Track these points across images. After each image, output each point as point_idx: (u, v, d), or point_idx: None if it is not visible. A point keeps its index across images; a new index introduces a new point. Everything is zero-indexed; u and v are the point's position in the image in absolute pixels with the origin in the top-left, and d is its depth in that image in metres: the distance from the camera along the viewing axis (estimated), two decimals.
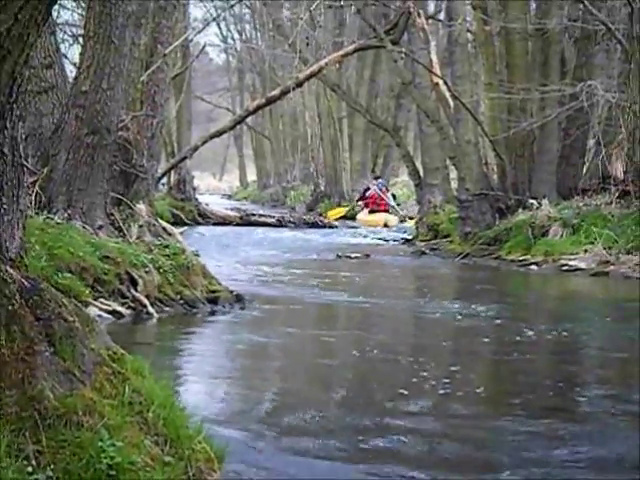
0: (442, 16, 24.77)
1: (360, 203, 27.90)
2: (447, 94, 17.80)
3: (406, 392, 5.86)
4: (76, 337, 3.59)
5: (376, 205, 26.61)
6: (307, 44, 25.25)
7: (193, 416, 4.00)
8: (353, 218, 27.83)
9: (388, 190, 28.01)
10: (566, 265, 14.21)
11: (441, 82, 17.96)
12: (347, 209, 29.20)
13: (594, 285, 12.87)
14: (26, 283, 3.55)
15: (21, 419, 3.19)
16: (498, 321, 9.02)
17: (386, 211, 26.42)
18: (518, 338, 7.99)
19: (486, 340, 8.11)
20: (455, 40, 18.48)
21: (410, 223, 23.86)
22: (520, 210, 16.69)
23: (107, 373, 3.65)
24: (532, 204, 16.44)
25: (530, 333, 8.20)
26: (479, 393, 6.01)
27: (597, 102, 16.33)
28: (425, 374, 6.43)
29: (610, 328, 9.07)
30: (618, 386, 6.33)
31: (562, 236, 15.36)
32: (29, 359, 3.33)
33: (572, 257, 14.45)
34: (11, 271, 3.52)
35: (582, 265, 14.01)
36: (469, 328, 8.71)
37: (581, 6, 17.48)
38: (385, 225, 24.69)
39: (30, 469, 3.06)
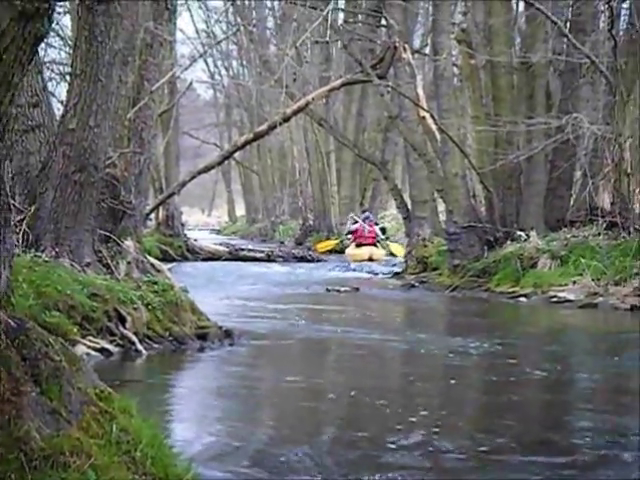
0: (428, 50, 24.95)
1: (349, 237, 27.91)
2: (434, 127, 17.89)
3: (395, 432, 5.83)
4: (63, 377, 3.56)
5: (363, 238, 26.59)
6: (294, 79, 25.40)
7: (181, 455, 3.96)
8: (342, 252, 27.82)
9: (376, 224, 27.99)
10: (555, 297, 14.23)
11: (428, 115, 18.06)
12: (336, 242, 29.24)
13: (583, 317, 12.86)
14: (12, 323, 3.52)
15: (7, 461, 3.15)
16: (488, 357, 8.99)
17: (374, 245, 26.37)
18: (512, 378, 7.97)
19: (477, 377, 8.08)
20: (441, 74, 18.59)
21: (399, 253, 23.86)
22: (508, 242, 16.73)
23: (94, 412, 3.62)
24: (520, 236, 16.49)
25: (521, 370, 8.19)
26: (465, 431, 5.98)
27: (583, 134, 16.43)
28: (414, 418, 6.39)
29: (601, 362, 9.06)
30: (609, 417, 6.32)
31: (551, 268, 15.39)
32: (15, 400, 3.30)
33: (561, 289, 14.47)
34: None
35: (571, 297, 14.02)
36: (459, 366, 8.67)
37: (565, 40, 17.65)
38: (370, 259, 24.64)
39: None
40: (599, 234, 15.98)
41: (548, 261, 15.49)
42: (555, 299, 14.14)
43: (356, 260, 24.55)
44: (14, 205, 3.91)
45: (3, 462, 3.13)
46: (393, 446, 5.37)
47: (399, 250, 24.98)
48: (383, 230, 27.71)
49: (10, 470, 3.13)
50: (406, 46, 18.78)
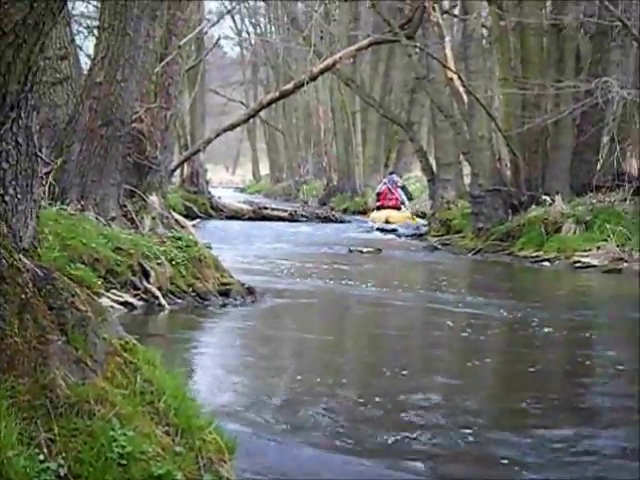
0: (457, 11, 24.69)
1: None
2: (461, 89, 17.76)
3: (415, 391, 5.86)
4: (88, 326, 3.59)
5: (386, 201, 26.42)
6: (321, 38, 25.27)
7: (204, 407, 4.00)
8: (365, 213, 27.73)
9: (400, 186, 27.66)
10: (579, 262, 14.17)
11: (455, 77, 17.92)
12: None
13: (607, 282, 12.82)
14: (39, 272, 3.55)
15: (33, 407, 3.19)
16: (509, 319, 9.00)
17: (396, 207, 26.12)
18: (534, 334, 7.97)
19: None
20: (470, 35, 18.41)
21: (417, 221, 23.75)
22: (533, 206, 16.65)
23: (119, 363, 3.65)
24: (545, 200, 16.39)
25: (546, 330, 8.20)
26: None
27: (612, 99, 16.23)
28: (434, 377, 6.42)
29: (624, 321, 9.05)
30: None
31: (575, 233, 15.32)
32: (41, 347, 3.33)
33: (585, 254, 14.41)
34: (24, 260, 3.53)
35: (595, 262, 13.97)
36: (482, 325, 8.69)
37: (597, 2, 17.40)
38: (387, 221, 24.41)
39: (42, 457, 3.06)
40: (625, 199, 15.88)
41: (573, 226, 15.41)
42: (579, 264, 14.09)
43: (375, 222, 24.46)
44: (41, 157, 3.92)
45: (30, 408, 3.17)
46: (414, 405, 5.40)
47: (396, 217, 24.60)
48: (405, 190, 27.36)
49: (37, 416, 3.17)
50: (435, 6, 18.62)
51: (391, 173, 28.76)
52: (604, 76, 16.35)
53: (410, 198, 27.00)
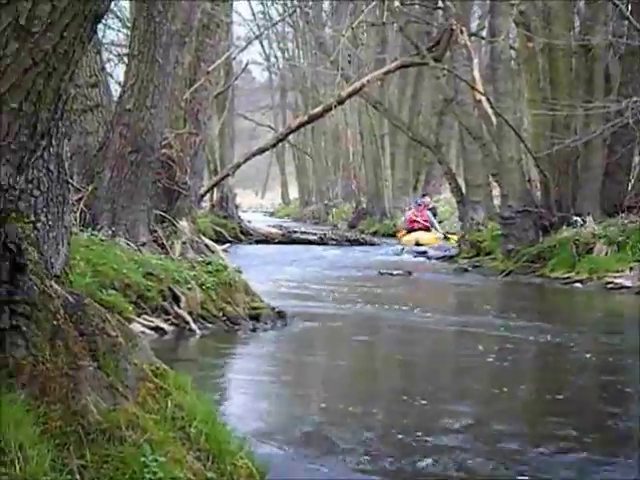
0: (485, 33, 24.70)
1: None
2: (490, 111, 17.73)
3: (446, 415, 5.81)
4: (119, 352, 3.61)
5: (415, 224, 26.37)
6: (349, 62, 25.37)
7: (235, 432, 3.99)
8: (395, 235, 27.70)
9: (427, 208, 27.44)
10: (611, 283, 14.04)
11: (484, 99, 17.90)
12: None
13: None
14: (70, 298, 3.58)
15: (65, 434, 3.20)
16: (544, 341, 8.92)
17: (426, 229, 26.07)
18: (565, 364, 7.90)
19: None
20: (498, 57, 18.39)
21: (451, 241, 23.68)
22: (564, 227, 16.53)
23: (150, 388, 3.67)
24: (576, 221, 16.28)
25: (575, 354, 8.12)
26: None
27: None
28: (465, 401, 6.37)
29: None
30: None
31: (607, 254, 15.18)
32: (73, 374, 3.35)
33: (617, 275, 14.27)
34: (56, 286, 3.55)
35: (628, 283, 13.83)
36: (514, 349, 8.62)
37: (626, 22, 17.34)
38: (417, 244, 24.34)
39: None
40: None
41: (604, 247, 15.28)
42: (611, 285, 13.96)
43: (405, 245, 24.42)
44: (72, 184, 3.95)
45: (62, 435, 3.18)
46: (444, 429, 5.37)
47: (426, 239, 24.56)
48: (434, 212, 27.32)
49: (69, 443, 3.18)
50: (463, 29, 18.62)
51: (423, 195, 28.67)
52: (634, 96, 16.27)
53: (439, 221, 26.91)
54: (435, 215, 27.14)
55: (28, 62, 2.84)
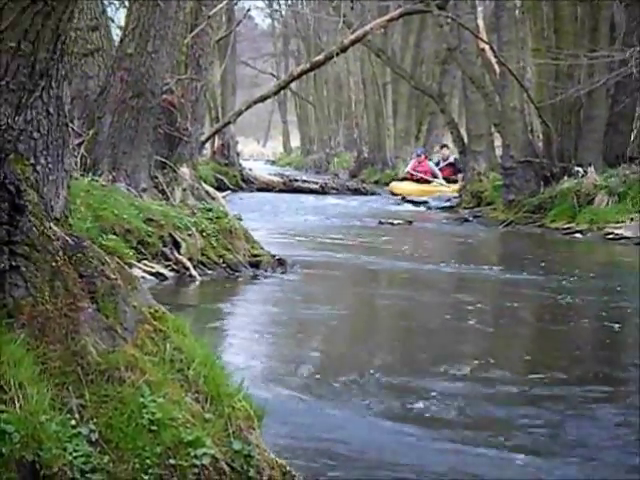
0: None
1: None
2: (493, 60, 17.61)
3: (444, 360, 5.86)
4: (118, 294, 3.62)
5: (414, 174, 25.94)
6: (352, 8, 25.09)
7: (233, 375, 4.03)
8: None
9: (427, 158, 26.81)
10: (611, 233, 14.06)
11: (487, 48, 17.77)
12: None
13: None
14: (70, 240, 3.58)
15: (64, 373, 3.23)
16: (541, 290, 8.96)
17: (425, 180, 25.48)
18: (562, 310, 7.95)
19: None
20: (502, 5, 18.21)
21: (452, 187, 23.47)
22: (565, 178, 16.51)
23: (148, 330, 3.68)
24: (578, 172, 16.24)
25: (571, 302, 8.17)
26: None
27: None
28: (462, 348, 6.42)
29: None
30: None
31: (608, 204, 15.18)
32: (72, 315, 3.36)
33: (617, 225, 14.29)
34: (55, 228, 3.56)
35: (627, 234, 13.85)
36: (512, 293, 8.66)
37: None
38: (400, 195, 23.90)
39: (73, 422, 3.10)
40: None
41: (605, 197, 15.27)
42: (611, 236, 13.98)
43: (395, 194, 24.11)
44: (72, 128, 3.94)
45: (61, 374, 3.21)
46: (443, 374, 5.41)
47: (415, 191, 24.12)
48: (457, 167, 26.45)
49: (68, 382, 3.21)
50: None
51: (442, 146, 27.64)
52: (639, 45, 16.13)
53: (460, 170, 25.53)
54: (459, 170, 25.56)
55: (26, 0, 2.82)
